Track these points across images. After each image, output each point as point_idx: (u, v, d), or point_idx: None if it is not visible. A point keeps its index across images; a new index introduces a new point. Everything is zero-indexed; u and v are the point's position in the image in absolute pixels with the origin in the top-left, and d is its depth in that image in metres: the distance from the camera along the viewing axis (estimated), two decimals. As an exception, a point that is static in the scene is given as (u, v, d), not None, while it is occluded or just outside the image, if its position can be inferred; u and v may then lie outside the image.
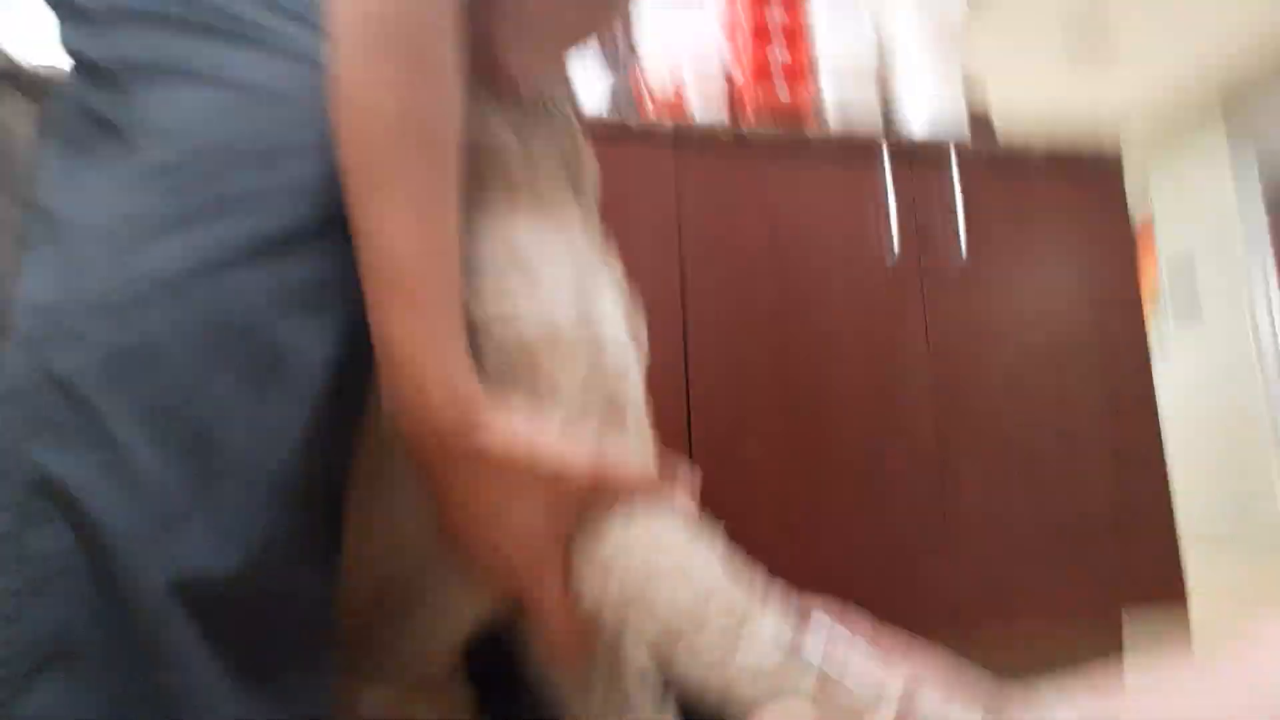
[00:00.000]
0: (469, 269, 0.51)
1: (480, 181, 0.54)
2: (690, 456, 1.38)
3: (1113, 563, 1.50)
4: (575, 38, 0.63)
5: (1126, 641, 1.58)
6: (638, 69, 1.66)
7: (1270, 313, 4.12)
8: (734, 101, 1.64)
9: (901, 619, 1.42)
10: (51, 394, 0.42)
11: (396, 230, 0.46)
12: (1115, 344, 1.59)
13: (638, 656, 0.45)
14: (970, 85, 1.70)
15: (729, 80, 1.65)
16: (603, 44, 1.48)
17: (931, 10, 1.68)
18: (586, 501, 0.48)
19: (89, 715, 0.40)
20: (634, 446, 0.52)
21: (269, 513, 0.45)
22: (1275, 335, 4.09)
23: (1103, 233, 1.59)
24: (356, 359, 0.50)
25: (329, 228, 0.49)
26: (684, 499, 0.50)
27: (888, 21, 1.71)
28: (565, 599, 0.49)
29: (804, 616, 0.45)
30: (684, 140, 1.43)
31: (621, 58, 1.66)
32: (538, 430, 0.48)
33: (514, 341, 0.50)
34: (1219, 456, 4.06)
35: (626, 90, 1.63)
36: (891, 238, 1.47)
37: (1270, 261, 4.28)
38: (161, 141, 0.50)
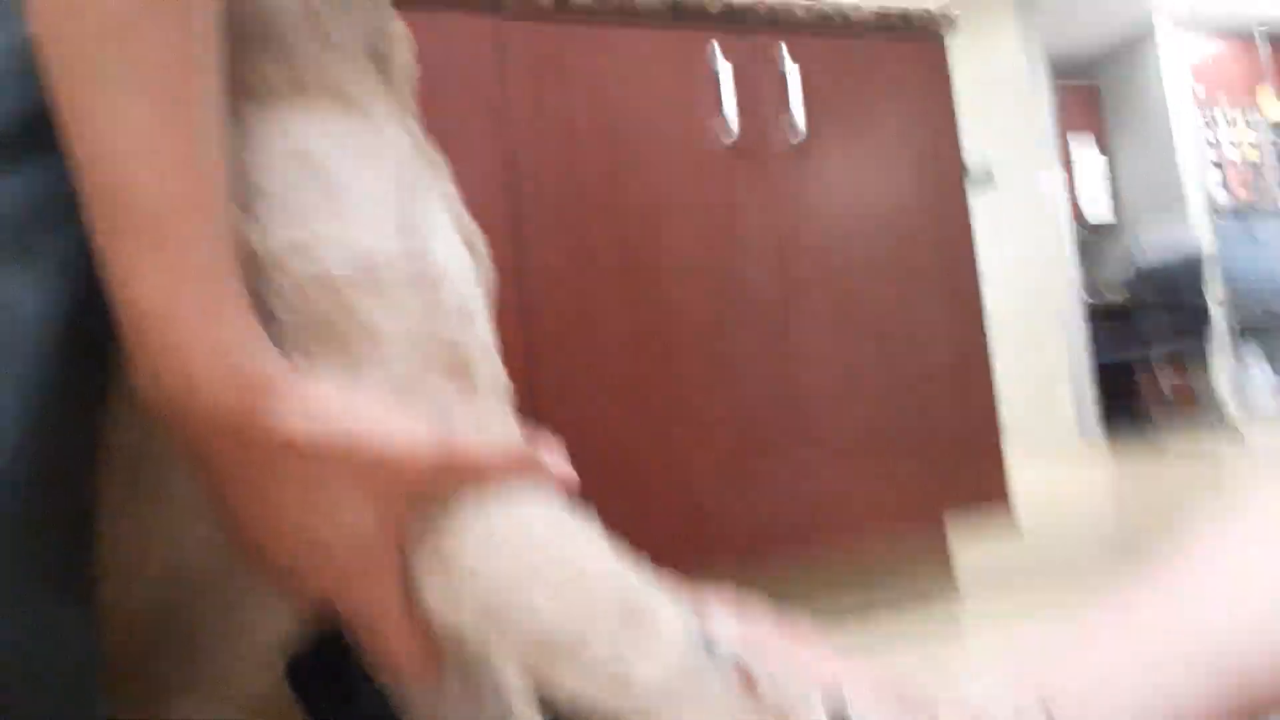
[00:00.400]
0: (242, 187, 0.37)
1: (252, 64, 0.39)
2: (529, 343, 1.28)
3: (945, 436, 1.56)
4: None
5: (952, 543, 1.67)
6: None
7: (1055, 180, 4.41)
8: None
9: (752, 503, 1.44)
10: None
11: (125, 137, 0.32)
12: (943, 215, 1.60)
13: (506, 678, 0.36)
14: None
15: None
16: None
17: None
18: (429, 491, 0.37)
19: None
20: (488, 409, 0.41)
21: None
22: (1059, 201, 4.39)
23: (929, 103, 1.58)
24: (88, 315, 0.36)
25: (29, 142, 0.34)
26: (555, 472, 0.40)
27: None
28: (406, 616, 0.38)
29: (702, 608, 0.37)
30: (502, 6, 1.26)
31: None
32: (355, 403, 0.36)
33: (316, 281, 0.37)
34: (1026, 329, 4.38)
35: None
36: (726, 112, 1.39)
37: (1053, 130, 4.56)
38: None
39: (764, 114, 1.42)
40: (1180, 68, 5.56)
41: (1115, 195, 6.09)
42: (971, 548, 1.80)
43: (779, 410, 1.45)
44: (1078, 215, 5.72)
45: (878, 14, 1.49)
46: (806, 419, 1.46)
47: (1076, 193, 5.87)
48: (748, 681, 0.35)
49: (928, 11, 1.53)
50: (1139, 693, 0.41)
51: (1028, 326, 4.41)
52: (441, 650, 0.40)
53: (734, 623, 0.37)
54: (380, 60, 0.45)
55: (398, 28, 0.49)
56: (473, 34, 1.25)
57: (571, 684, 0.36)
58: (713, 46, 1.38)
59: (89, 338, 0.37)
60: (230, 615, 0.46)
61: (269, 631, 0.47)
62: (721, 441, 1.40)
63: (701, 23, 1.38)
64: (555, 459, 0.40)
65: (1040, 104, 4.51)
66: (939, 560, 1.65)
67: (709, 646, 0.35)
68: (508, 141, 1.27)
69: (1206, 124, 5.65)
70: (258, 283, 0.37)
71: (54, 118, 0.33)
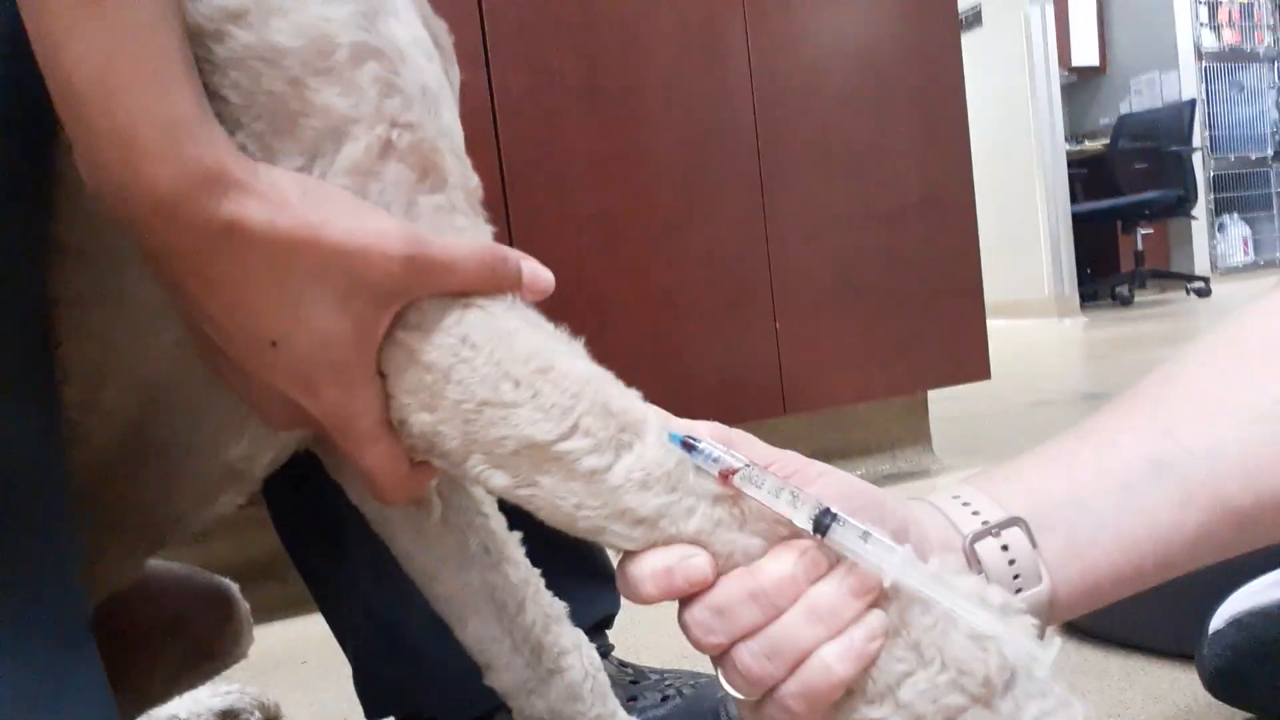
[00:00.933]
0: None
1: None
2: (501, 174, 1.24)
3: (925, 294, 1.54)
4: None
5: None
6: None
7: (1043, 19, 4.25)
8: None
9: (727, 350, 1.44)
10: None
11: None
12: (930, 48, 1.54)
13: (491, 482, 0.35)
14: None
15: None
16: None
17: None
18: (400, 291, 0.35)
19: None
20: (457, 205, 0.38)
21: None
22: (1045, 41, 4.24)
23: None
24: (17, 93, 0.33)
25: None
26: (530, 276, 0.38)
27: None
28: (383, 422, 0.37)
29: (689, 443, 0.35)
30: None
31: None
32: (316, 192, 0.34)
33: (263, 53, 0.33)
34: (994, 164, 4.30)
35: None
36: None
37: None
38: None
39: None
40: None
41: (1104, 38, 5.91)
42: (946, 406, 1.83)
43: (753, 253, 1.42)
44: (1065, 59, 5.56)
45: None
46: (779, 265, 1.44)
47: (1069, 35, 5.69)
48: (728, 479, 0.34)
49: None
50: (1118, 513, 0.40)
51: (1007, 174, 4.35)
52: (425, 469, 0.39)
53: (718, 433, 0.36)
54: None
55: None
56: None
57: (549, 484, 0.35)
58: None
59: (20, 119, 0.34)
60: (198, 431, 0.45)
61: (238, 448, 0.45)
62: (695, 283, 1.38)
63: None
64: (529, 263, 0.38)
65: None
66: (915, 419, 1.68)
67: (689, 445, 0.34)
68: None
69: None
70: (199, 59, 0.33)
71: None
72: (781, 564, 0.33)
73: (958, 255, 1.56)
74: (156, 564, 0.66)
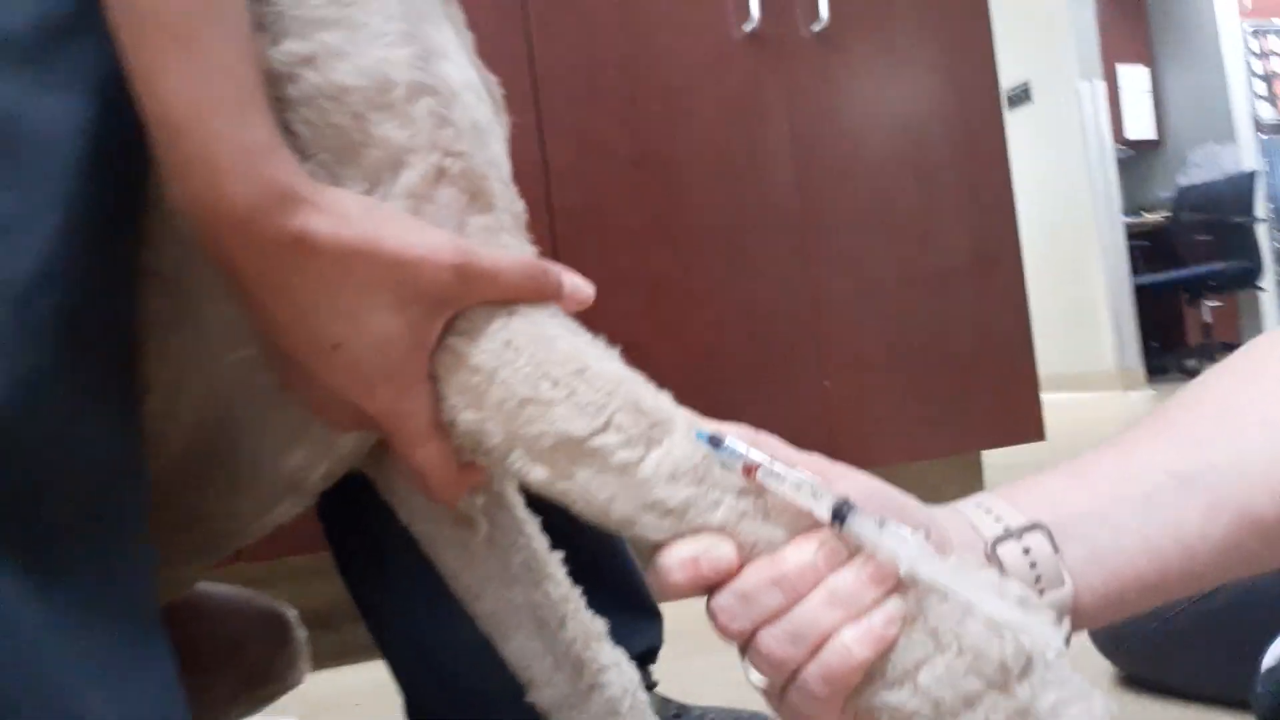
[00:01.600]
0: (253, 2, 0.38)
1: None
2: (553, 237, 1.29)
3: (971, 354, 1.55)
4: None
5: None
6: None
7: (1093, 98, 4.28)
8: None
9: (771, 412, 1.45)
10: None
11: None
12: (973, 118, 1.57)
13: (530, 475, 0.37)
14: None
15: None
16: None
17: None
18: (451, 299, 0.38)
19: None
20: (504, 226, 0.41)
21: (25, 339, 0.34)
22: (1097, 116, 4.26)
23: (961, 17, 1.53)
24: (121, 127, 0.37)
25: None
26: (570, 289, 0.41)
27: None
28: (434, 423, 0.40)
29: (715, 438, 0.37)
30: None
31: None
32: (375, 210, 0.37)
33: (329, 92, 0.38)
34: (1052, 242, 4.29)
35: None
36: (749, 6, 1.36)
37: (1097, 44, 4.40)
38: None
39: (785, 2, 1.39)
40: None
41: (1159, 112, 5.90)
42: (1005, 474, 1.80)
43: (798, 314, 1.44)
44: (1120, 133, 5.56)
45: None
46: (827, 326, 1.46)
47: (1120, 110, 5.70)
48: (752, 473, 0.36)
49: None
50: (1142, 522, 0.41)
51: (1065, 247, 4.33)
52: (473, 469, 0.42)
53: (744, 434, 0.38)
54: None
55: None
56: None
57: (584, 477, 0.37)
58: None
59: (118, 153, 0.38)
60: (261, 442, 0.48)
61: (296, 459, 0.49)
62: (739, 343, 1.40)
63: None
64: (570, 275, 0.41)
65: (1084, 18, 4.36)
66: (969, 479, 1.66)
67: (715, 442, 0.36)
68: (527, 32, 1.26)
69: (1255, 35, 5.42)
70: (273, 95, 0.37)
71: None
72: (803, 552, 0.35)
73: (1008, 316, 1.57)
74: (216, 587, 0.69)
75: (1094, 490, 0.42)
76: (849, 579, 0.34)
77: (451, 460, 0.40)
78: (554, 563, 0.55)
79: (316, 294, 0.36)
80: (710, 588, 0.36)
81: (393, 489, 0.54)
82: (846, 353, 1.46)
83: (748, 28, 1.36)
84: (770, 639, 0.35)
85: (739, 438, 0.37)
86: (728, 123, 1.41)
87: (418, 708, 0.68)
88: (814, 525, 0.36)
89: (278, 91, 0.38)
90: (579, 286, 0.41)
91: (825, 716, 0.35)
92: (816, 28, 1.40)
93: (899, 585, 0.34)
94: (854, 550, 0.35)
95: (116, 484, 0.39)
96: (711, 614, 0.36)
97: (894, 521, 0.34)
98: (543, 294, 0.39)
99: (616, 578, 0.68)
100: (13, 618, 0.34)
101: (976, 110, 1.57)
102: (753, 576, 0.35)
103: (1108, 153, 4.30)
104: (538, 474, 0.38)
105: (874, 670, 0.34)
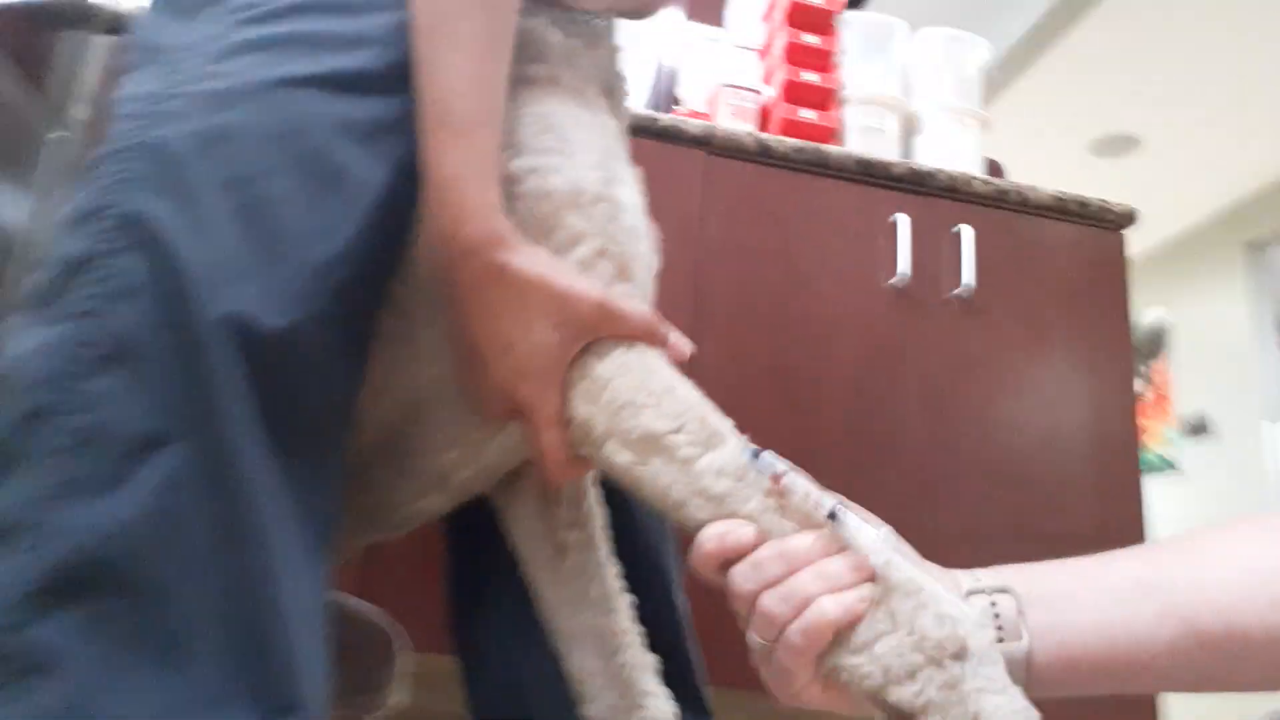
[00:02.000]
0: (508, 130, 0.58)
1: (524, 65, 0.61)
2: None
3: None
4: (613, 5, 0.70)
5: None
6: (677, 81, 1.77)
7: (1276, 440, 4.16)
8: (762, 117, 1.73)
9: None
10: (150, 155, 0.50)
11: (453, 70, 0.54)
12: (1106, 406, 1.61)
13: (617, 459, 0.51)
14: (986, 134, 1.79)
15: (759, 97, 1.75)
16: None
17: (955, 60, 1.78)
18: (591, 335, 0.54)
19: (135, 410, 0.46)
20: (638, 295, 0.58)
21: (314, 295, 0.52)
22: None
23: (1099, 289, 1.64)
24: (406, 194, 0.57)
25: (395, 75, 0.57)
26: (674, 348, 0.57)
27: (914, 63, 1.81)
28: (559, 414, 0.55)
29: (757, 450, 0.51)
30: (712, 142, 1.51)
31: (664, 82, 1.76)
32: (556, 262, 0.55)
33: (541, 192, 0.57)
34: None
35: (668, 94, 1.73)
36: (899, 264, 1.54)
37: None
38: None
39: (934, 265, 1.56)
40: None
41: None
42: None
43: (920, 550, 1.49)
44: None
45: (1055, 197, 1.63)
46: (948, 565, 1.49)
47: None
48: (778, 480, 0.48)
49: (1105, 203, 1.65)
50: (1103, 611, 0.49)
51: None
52: (580, 459, 0.56)
53: (779, 460, 0.51)
54: (608, 90, 0.67)
55: (624, 80, 0.71)
56: (685, 162, 1.50)
57: (655, 465, 0.51)
58: (893, 201, 1.56)
59: (402, 210, 0.58)
60: (430, 439, 0.64)
61: (450, 456, 0.64)
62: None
63: (886, 181, 1.58)
64: (676, 333, 0.57)
65: (1267, 358, 4.33)
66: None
67: (755, 455, 0.50)
68: (699, 256, 1.48)
69: None
70: (505, 189, 0.57)
71: (411, 65, 0.56)
72: (804, 540, 0.47)
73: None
74: (339, 594, 0.83)
75: (1069, 576, 0.51)
76: (835, 563, 0.46)
77: (567, 447, 0.55)
78: (624, 600, 0.67)
79: (504, 308, 0.53)
80: (731, 561, 0.48)
81: (514, 513, 0.68)
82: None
83: (897, 283, 1.54)
84: (768, 599, 0.46)
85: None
86: (867, 362, 1.52)
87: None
88: (818, 526, 0.47)
89: (507, 189, 0.57)
90: (680, 343, 0.57)
91: (800, 671, 0.45)
92: (962, 294, 1.55)
93: (873, 576, 0.45)
94: (844, 547, 0.46)
95: (341, 420, 0.55)
96: (730, 581, 0.48)
97: (876, 526, 0.46)
98: (654, 338, 0.55)
99: (674, 657, 0.77)
100: (265, 484, 0.49)
101: (1111, 401, 1.60)
102: (764, 552, 0.47)
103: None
104: (623, 458, 0.51)
105: (842, 638, 0.45)
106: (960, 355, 1.56)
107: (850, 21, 1.81)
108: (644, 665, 0.65)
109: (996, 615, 0.48)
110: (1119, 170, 4.07)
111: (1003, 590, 0.49)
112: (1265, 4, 2.95)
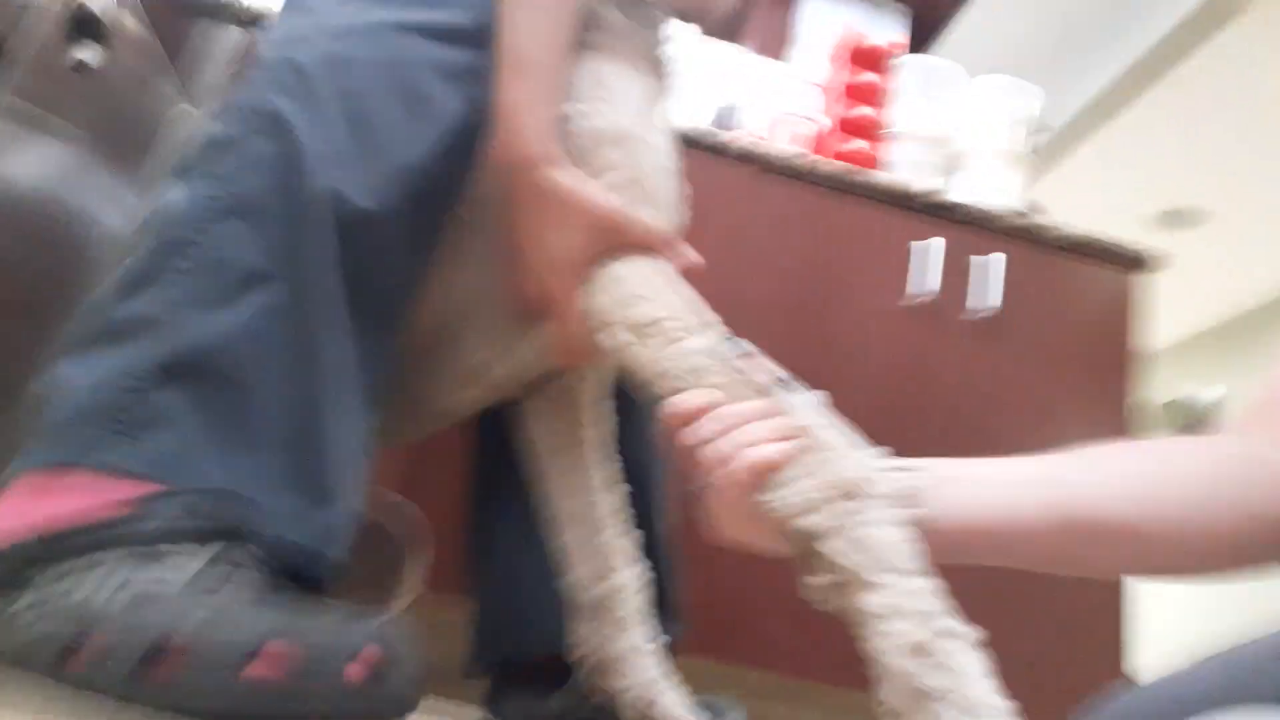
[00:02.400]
0: (568, 81, 0.73)
1: (589, 34, 0.76)
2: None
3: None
4: (670, 3, 0.84)
5: None
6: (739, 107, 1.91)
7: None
8: (817, 145, 1.86)
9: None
10: (286, 70, 0.65)
11: (527, 22, 0.68)
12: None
13: (620, 337, 0.64)
14: (1031, 180, 1.89)
15: (815, 126, 1.88)
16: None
17: (1006, 104, 1.89)
18: (612, 241, 0.67)
19: (249, 251, 0.61)
20: (659, 217, 0.72)
21: (396, 189, 0.66)
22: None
23: (1114, 328, 1.71)
24: (477, 127, 0.72)
25: (480, 33, 0.72)
26: (681, 260, 0.70)
27: (968, 105, 1.93)
28: (580, 310, 0.68)
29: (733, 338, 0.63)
30: (764, 165, 1.64)
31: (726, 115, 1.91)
32: (590, 183, 0.69)
33: (588, 129, 0.71)
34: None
35: (729, 120, 1.87)
36: (926, 285, 1.64)
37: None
38: None
39: (962, 285, 1.66)
40: None
41: None
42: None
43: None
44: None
45: (1084, 235, 1.72)
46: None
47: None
48: (745, 370, 0.61)
49: (1129, 246, 1.74)
50: (999, 500, 0.59)
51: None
52: (592, 345, 0.69)
53: (745, 345, 0.63)
54: (653, 61, 0.81)
55: (670, 65, 0.85)
56: (739, 179, 1.64)
57: (651, 351, 0.63)
58: (928, 227, 1.67)
59: (474, 137, 0.72)
60: (466, 338, 0.78)
61: (481, 355, 0.78)
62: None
63: (924, 208, 1.69)
64: (686, 247, 0.70)
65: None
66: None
67: (731, 350, 0.62)
68: (746, 265, 1.61)
69: None
70: (560, 124, 0.71)
71: (494, 23, 0.70)
72: (754, 403, 0.59)
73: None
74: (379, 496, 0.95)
75: (979, 467, 0.61)
76: (776, 421, 0.58)
77: (584, 326, 0.68)
78: (619, 490, 0.79)
79: (546, 213, 0.67)
80: (693, 419, 0.60)
81: (539, 409, 0.81)
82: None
83: (927, 299, 1.64)
84: (722, 443, 0.58)
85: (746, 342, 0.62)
86: (896, 372, 1.61)
87: (486, 621, 0.90)
88: (769, 396, 0.59)
89: (562, 125, 0.71)
90: (690, 252, 0.70)
91: (735, 505, 0.57)
92: (986, 314, 1.64)
93: (803, 432, 0.57)
94: (785, 411, 0.58)
95: (404, 299, 0.70)
96: (692, 432, 0.60)
97: (812, 397, 0.58)
98: (665, 250, 0.68)
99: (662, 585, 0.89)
100: (336, 330, 0.63)
101: (1111, 432, 1.69)
102: (724, 409, 0.59)
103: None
104: (625, 335, 0.64)
105: (770, 479, 0.56)
106: (982, 371, 1.64)
107: (910, 63, 1.94)
108: (621, 544, 0.77)
109: (908, 485, 0.59)
110: (1183, 244, 4.09)
111: (919, 470, 0.60)
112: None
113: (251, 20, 1.60)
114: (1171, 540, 0.56)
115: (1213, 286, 4.38)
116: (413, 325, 0.75)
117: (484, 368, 0.78)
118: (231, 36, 1.66)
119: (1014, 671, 0.52)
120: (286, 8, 0.77)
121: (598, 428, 0.81)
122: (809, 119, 1.89)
